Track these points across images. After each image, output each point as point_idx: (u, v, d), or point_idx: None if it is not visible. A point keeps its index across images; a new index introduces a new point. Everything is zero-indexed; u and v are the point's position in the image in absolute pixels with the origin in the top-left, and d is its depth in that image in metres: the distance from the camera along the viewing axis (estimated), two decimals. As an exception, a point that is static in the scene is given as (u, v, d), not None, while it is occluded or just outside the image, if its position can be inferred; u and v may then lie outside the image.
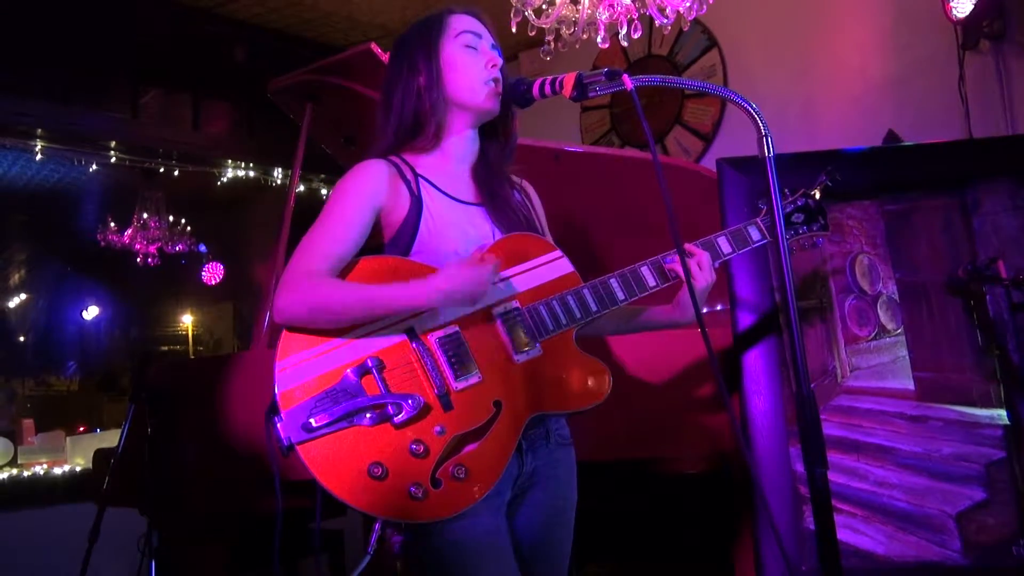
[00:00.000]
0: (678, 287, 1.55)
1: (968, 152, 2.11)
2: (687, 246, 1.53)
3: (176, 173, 6.20)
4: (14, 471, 4.63)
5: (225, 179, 6.30)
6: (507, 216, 1.50)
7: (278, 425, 1.25)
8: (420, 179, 1.44)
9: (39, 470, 4.60)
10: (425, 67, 1.46)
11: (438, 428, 1.29)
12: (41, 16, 4.53)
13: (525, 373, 1.37)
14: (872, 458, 1.80)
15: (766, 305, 1.88)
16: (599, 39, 3.00)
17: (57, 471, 4.59)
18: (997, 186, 1.90)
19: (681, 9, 2.88)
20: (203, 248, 7.54)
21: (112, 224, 6.79)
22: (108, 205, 7.01)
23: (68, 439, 5.31)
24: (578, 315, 1.42)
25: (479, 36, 1.49)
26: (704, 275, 1.51)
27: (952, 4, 3.12)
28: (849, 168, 1.99)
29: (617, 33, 2.95)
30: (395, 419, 1.27)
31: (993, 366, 1.81)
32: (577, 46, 3.09)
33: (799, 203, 1.65)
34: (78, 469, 4.64)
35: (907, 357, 1.87)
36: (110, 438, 4.62)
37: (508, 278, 1.42)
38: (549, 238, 1.57)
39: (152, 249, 6.88)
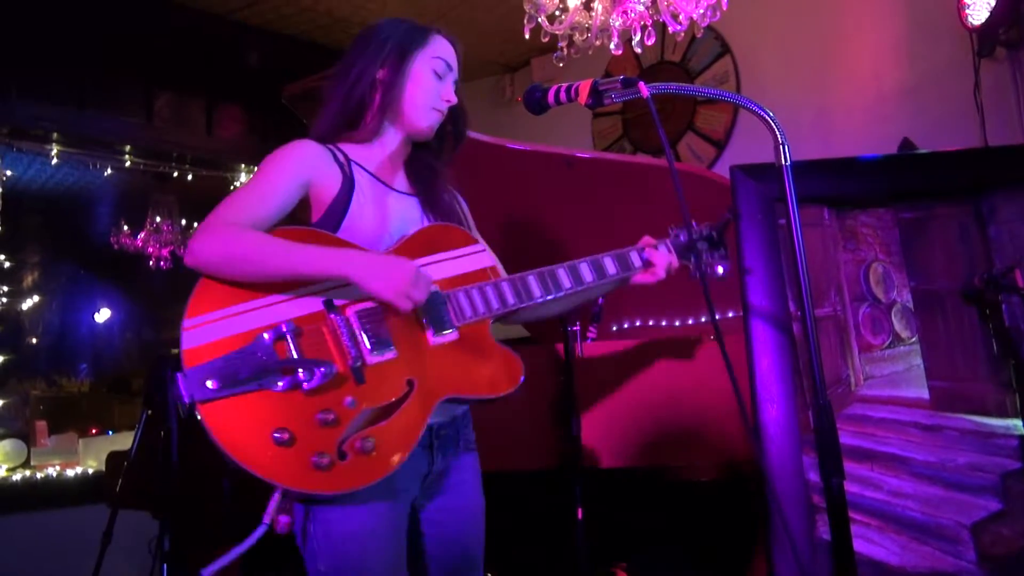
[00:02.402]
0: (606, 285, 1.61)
1: (984, 160, 2.09)
2: (645, 241, 1.65)
3: (189, 177, 6.25)
4: (27, 473, 4.67)
5: (238, 183, 6.34)
6: (439, 209, 1.53)
7: (180, 381, 1.19)
8: (352, 163, 1.47)
9: (52, 472, 4.64)
10: (392, 64, 1.48)
11: (349, 400, 1.27)
12: (56, 22, 4.57)
13: (439, 356, 1.37)
14: (886, 467, 1.79)
15: (779, 312, 1.88)
16: (612, 45, 3.01)
17: (70, 473, 4.62)
18: (1013, 194, 1.89)
19: (694, 16, 2.89)
20: (215, 252, 7.57)
21: (125, 227, 6.85)
22: (122, 208, 7.07)
23: (81, 441, 5.35)
24: (496, 305, 1.44)
25: (450, 69, 1.53)
26: (657, 273, 1.62)
27: (968, 12, 3.11)
28: (863, 176, 1.98)
29: (630, 39, 2.95)
30: (305, 385, 1.24)
31: (1009, 375, 1.79)
32: (590, 52, 3.10)
33: (704, 233, 1.72)
34: (90, 471, 4.67)
35: (921, 366, 1.86)
36: (122, 440, 4.64)
37: (430, 263, 1.44)
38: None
39: (164, 252, 6.94)
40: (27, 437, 5.37)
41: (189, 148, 5.87)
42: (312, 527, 1.31)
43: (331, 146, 1.47)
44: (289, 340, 1.26)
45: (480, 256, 1.50)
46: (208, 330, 1.24)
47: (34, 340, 8.05)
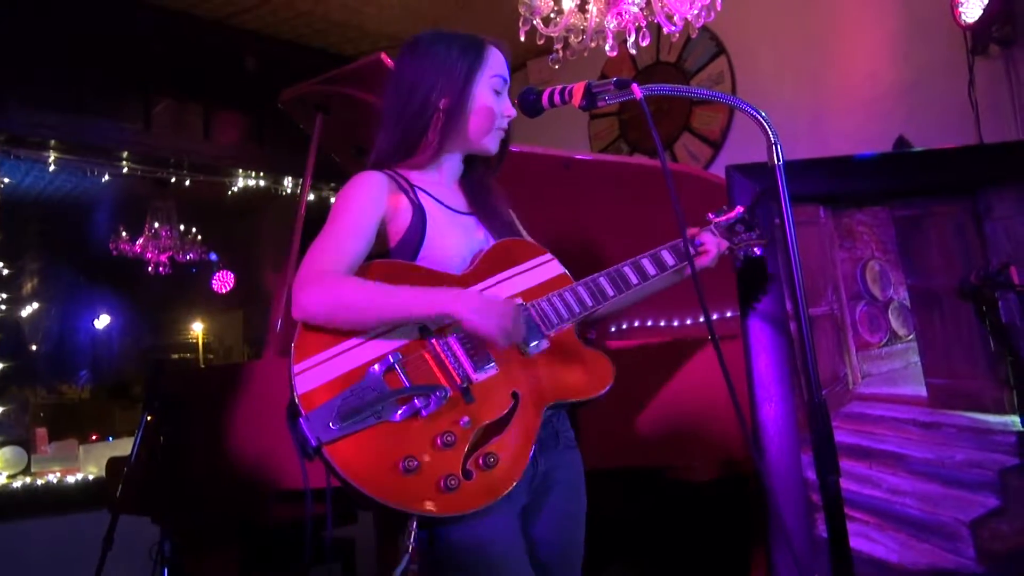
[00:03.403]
0: (667, 277, 1.64)
1: (979, 158, 2.10)
2: (692, 232, 1.68)
3: (187, 183, 6.25)
4: (28, 479, 4.66)
5: (236, 188, 6.35)
6: (498, 226, 1.56)
7: (304, 426, 1.22)
8: (417, 189, 1.48)
9: (52, 479, 4.63)
10: (455, 92, 1.47)
11: (464, 420, 1.30)
12: (54, 29, 4.58)
13: (537, 365, 1.41)
14: (884, 465, 1.79)
15: (776, 311, 1.88)
16: (607, 47, 3.01)
17: (70, 479, 4.62)
18: (1009, 191, 1.89)
19: (689, 16, 2.89)
20: (214, 256, 7.60)
21: (124, 233, 6.86)
22: (120, 214, 7.07)
23: (81, 447, 5.34)
24: (577, 310, 1.47)
25: (506, 82, 1.53)
26: (711, 253, 1.66)
27: (961, 9, 3.12)
28: (859, 174, 1.99)
29: (625, 41, 2.96)
30: (423, 412, 1.28)
31: (1006, 372, 1.80)
32: (585, 54, 3.10)
33: (740, 215, 1.75)
34: (91, 477, 4.66)
35: (919, 363, 1.86)
36: (122, 446, 4.64)
37: (509, 278, 1.48)
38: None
39: (163, 258, 6.95)
40: (27, 444, 5.37)
41: (187, 153, 5.87)
42: (432, 547, 1.32)
43: (391, 172, 1.48)
44: (398, 370, 1.30)
45: (551, 265, 1.54)
46: (318, 372, 1.27)
47: (34, 347, 8.05)
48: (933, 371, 1.85)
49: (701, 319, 2.95)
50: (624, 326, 3.09)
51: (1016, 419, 1.77)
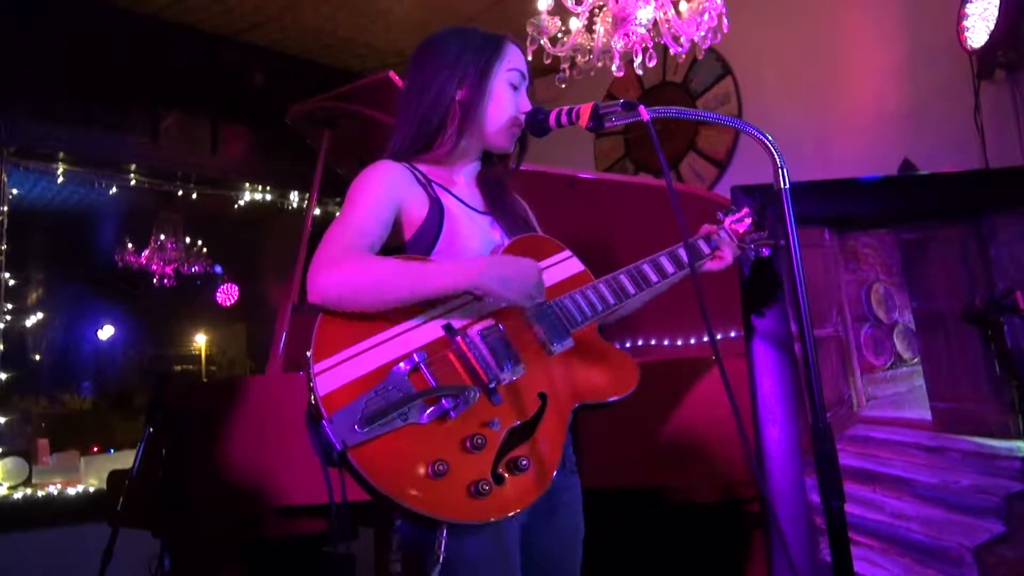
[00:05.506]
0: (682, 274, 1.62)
1: (984, 182, 2.11)
2: (709, 229, 1.69)
3: (194, 196, 6.28)
4: (29, 491, 4.66)
5: (242, 202, 6.37)
6: (514, 224, 1.53)
7: (328, 429, 1.14)
8: (434, 184, 1.45)
9: (53, 490, 4.62)
10: (472, 83, 1.45)
11: (493, 422, 1.25)
12: (63, 42, 4.63)
13: (562, 365, 1.38)
14: (889, 489, 1.78)
15: (781, 332, 1.88)
16: (614, 67, 3.03)
17: (71, 491, 4.61)
18: (1014, 215, 1.89)
19: (695, 38, 2.91)
20: (219, 269, 7.62)
21: (130, 245, 6.89)
22: (126, 226, 7.10)
23: (82, 459, 5.34)
24: (599, 307, 1.45)
25: (523, 78, 1.52)
26: (726, 257, 1.66)
27: (967, 34, 3.13)
28: (865, 197, 1.99)
29: (632, 61, 2.98)
30: (452, 413, 1.22)
31: (1011, 397, 1.79)
32: (592, 74, 3.12)
33: (748, 214, 1.76)
34: (92, 490, 4.65)
35: (924, 387, 1.86)
36: (124, 459, 4.63)
37: None
38: None
39: (168, 270, 6.97)
40: (29, 455, 5.36)
41: (194, 167, 5.90)
42: (450, 556, 1.26)
43: (408, 165, 1.45)
44: (424, 369, 1.24)
45: (571, 262, 1.52)
46: (339, 372, 1.20)
47: (37, 357, 8.06)
48: (938, 395, 1.84)
49: (704, 338, 2.94)
50: (628, 344, 3.08)
51: (1021, 445, 1.76)
